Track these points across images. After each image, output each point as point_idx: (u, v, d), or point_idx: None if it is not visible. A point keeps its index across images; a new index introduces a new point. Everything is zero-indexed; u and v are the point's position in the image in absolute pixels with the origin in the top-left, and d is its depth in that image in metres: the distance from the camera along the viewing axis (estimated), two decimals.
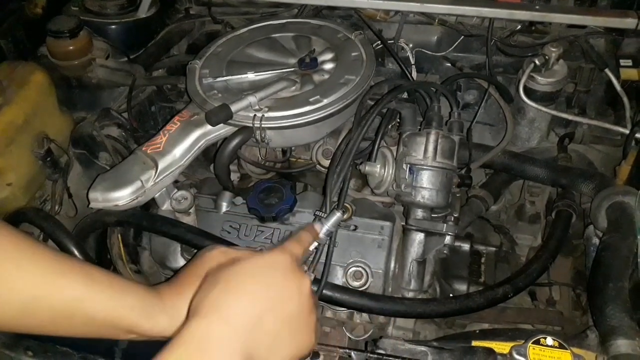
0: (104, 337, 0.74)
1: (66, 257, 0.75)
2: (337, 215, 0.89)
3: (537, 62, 1.28)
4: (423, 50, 1.49)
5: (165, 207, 1.14)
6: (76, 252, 1.06)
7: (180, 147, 1.11)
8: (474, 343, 0.87)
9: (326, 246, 0.98)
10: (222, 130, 1.13)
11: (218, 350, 0.58)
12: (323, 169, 1.24)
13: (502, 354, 0.82)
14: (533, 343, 0.79)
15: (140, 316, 0.73)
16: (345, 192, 1.03)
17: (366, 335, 1.12)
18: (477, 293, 1.04)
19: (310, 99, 1.12)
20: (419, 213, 1.10)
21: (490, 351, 0.83)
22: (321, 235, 0.88)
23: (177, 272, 0.87)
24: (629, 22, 1.32)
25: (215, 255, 0.77)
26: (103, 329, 0.73)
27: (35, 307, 0.69)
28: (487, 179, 1.39)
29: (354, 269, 1.07)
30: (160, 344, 0.59)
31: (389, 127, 1.18)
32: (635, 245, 0.98)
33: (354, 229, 1.10)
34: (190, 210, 1.13)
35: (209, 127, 1.12)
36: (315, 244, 0.86)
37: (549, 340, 0.79)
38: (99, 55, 1.45)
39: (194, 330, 0.60)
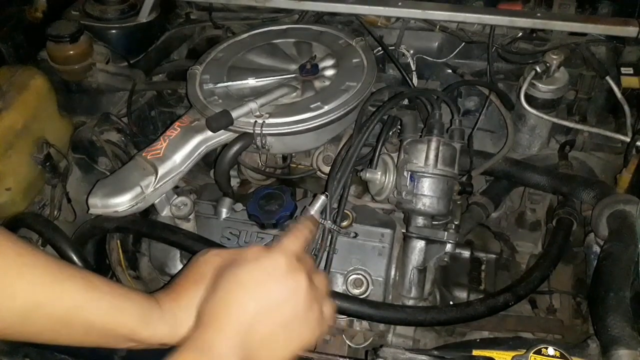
0: (103, 345, 0.74)
1: (66, 265, 0.75)
2: (322, 199, 0.89)
3: (538, 69, 1.27)
4: (424, 56, 1.49)
5: (165, 213, 1.13)
6: (75, 258, 1.06)
7: (180, 153, 1.11)
8: (475, 352, 0.86)
9: (326, 253, 0.97)
10: (223, 136, 1.13)
11: (218, 357, 0.65)
12: (323, 176, 1.23)
13: None
14: (534, 353, 0.79)
15: (140, 324, 0.73)
16: (345, 198, 1.03)
17: (366, 343, 1.11)
18: (478, 301, 1.03)
19: (311, 106, 1.12)
20: (420, 220, 1.10)
21: None
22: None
23: (173, 278, 0.87)
24: (630, 30, 1.32)
25: (210, 258, 0.77)
26: (102, 337, 0.73)
27: (35, 315, 0.68)
28: (487, 186, 1.39)
29: (354, 276, 1.06)
30: (158, 352, 0.60)
31: (390, 133, 1.18)
32: (636, 254, 0.97)
33: (355, 236, 1.09)
34: (190, 217, 1.12)
35: (209, 133, 1.12)
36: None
37: (551, 350, 0.78)
38: (99, 60, 1.44)
39: (197, 340, 0.67)
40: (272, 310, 0.70)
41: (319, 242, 0.94)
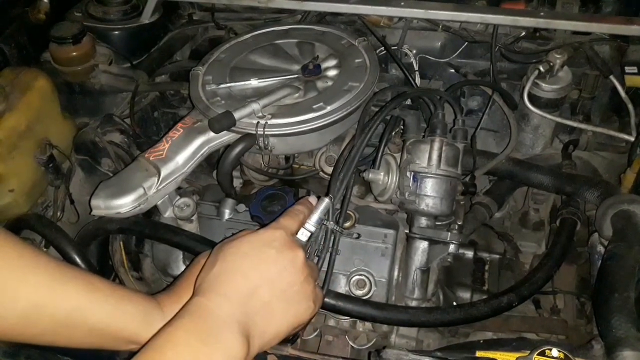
0: (105, 347, 0.74)
1: (68, 266, 0.75)
2: (326, 201, 0.89)
3: (541, 68, 1.27)
4: (427, 56, 1.48)
5: (168, 214, 1.13)
6: (78, 260, 1.06)
7: (183, 154, 1.10)
8: (478, 353, 0.86)
9: (328, 254, 0.97)
10: (225, 137, 1.13)
11: (218, 319, 0.68)
12: (326, 176, 1.23)
13: None
14: (538, 354, 0.78)
15: (141, 326, 0.73)
16: (348, 199, 1.02)
17: (369, 344, 1.11)
18: (482, 302, 1.03)
19: (314, 106, 1.12)
20: (423, 221, 1.10)
21: None
22: (311, 226, 0.86)
23: (176, 279, 0.87)
24: (634, 29, 1.31)
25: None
26: (104, 339, 0.73)
27: (37, 316, 0.69)
28: (491, 186, 1.38)
29: (357, 277, 1.06)
30: None
31: (393, 134, 1.18)
32: None
33: (357, 237, 1.09)
34: (193, 218, 1.12)
35: (212, 134, 1.11)
36: (309, 231, 0.86)
37: (555, 352, 0.78)
38: (102, 61, 1.44)
39: (196, 304, 0.69)
40: (272, 278, 0.74)
41: (322, 243, 0.94)
